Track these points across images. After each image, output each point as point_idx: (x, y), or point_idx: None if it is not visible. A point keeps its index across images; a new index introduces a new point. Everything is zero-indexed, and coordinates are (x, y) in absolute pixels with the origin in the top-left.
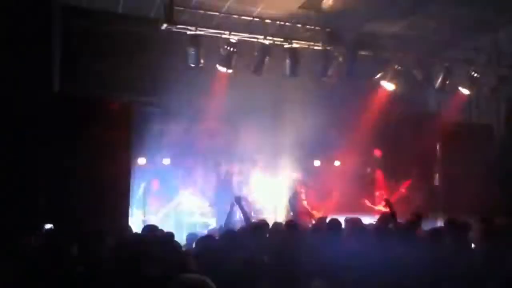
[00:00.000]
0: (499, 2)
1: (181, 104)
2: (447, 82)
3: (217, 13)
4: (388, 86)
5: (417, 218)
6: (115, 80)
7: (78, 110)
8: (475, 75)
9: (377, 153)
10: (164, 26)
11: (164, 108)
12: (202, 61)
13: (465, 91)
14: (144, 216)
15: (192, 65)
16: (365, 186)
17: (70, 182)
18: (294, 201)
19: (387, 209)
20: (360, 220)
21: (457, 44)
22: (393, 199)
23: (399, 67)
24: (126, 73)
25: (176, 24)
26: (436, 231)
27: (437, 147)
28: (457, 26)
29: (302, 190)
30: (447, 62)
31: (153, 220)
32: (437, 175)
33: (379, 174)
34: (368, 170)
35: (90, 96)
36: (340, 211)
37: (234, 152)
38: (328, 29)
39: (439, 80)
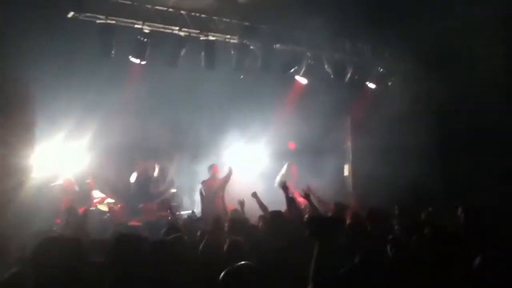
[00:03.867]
0: None
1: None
2: (356, 77)
3: (129, 2)
4: (302, 80)
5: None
6: None
7: None
8: (382, 70)
9: (291, 145)
10: (71, 14)
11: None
12: (113, 52)
13: (372, 86)
14: None
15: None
16: None
17: None
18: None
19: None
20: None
21: (366, 39)
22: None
23: (312, 62)
24: None
25: (84, 11)
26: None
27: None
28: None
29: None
30: (356, 57)
31: None
32: (346, 166)
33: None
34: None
35: None
36: None
37: (149, 148)
38: (244, 22)
39: (348, 75)
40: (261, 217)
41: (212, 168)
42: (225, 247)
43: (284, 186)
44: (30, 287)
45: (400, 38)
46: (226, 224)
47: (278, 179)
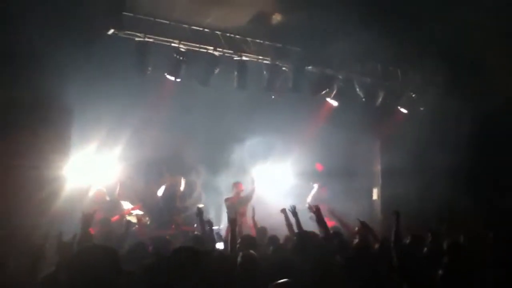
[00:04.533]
0: None
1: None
2: (388, 101)
3: (167, 22)
4: (333, 102)
5: None
6: None
7: None
8: (414, 96)
9: (319, 167)
10: (111, 31)
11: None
12: (149, 68)
13: (403, 110)
14: None
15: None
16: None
17: None
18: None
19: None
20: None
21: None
22: None
23: (343, 85)
24: None
25: (124, 30)
26: None
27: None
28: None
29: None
30: (387, 81)
31: None
32: (375, 190)
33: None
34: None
35: None
36: None
37: (177, 163)
38: (276, 44)
39: (380, 99)
40: (287, 237)
41: (236, 185)
42: (239, 260)
43: (316, 208)
44: None
45: (431, 61)
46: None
47: (309, 199)
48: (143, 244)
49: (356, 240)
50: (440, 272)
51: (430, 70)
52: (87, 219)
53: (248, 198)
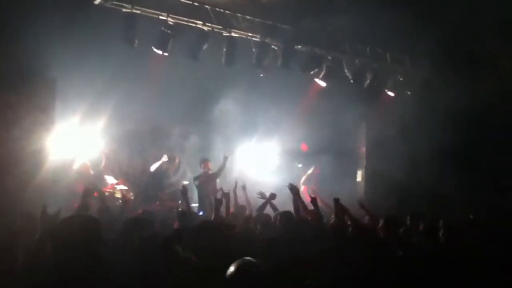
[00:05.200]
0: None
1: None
2: (375, 84)
3: None
4: (321, 83)
5: None
6: None
7: None
8: (401, 78)
9: (304, 147)
10: (98, 1)
11: None
12: (136, 41)
13: (391, 94)
14: None
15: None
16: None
17: None
18: None
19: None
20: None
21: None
22: None
23: (332, 65)
24: None
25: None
26: None
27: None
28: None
29: None
30: (376, 63)
31: None
32: (359, 172)
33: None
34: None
35: None
36: None
37: (162, 138)
38: (267, 21)
39: (368, 81)
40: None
41: (204, 163)
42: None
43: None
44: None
45: (421, 45)
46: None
47: (303, 180)
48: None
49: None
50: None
51: (419, 54)
52: (88, 193)
53: (216, 175)
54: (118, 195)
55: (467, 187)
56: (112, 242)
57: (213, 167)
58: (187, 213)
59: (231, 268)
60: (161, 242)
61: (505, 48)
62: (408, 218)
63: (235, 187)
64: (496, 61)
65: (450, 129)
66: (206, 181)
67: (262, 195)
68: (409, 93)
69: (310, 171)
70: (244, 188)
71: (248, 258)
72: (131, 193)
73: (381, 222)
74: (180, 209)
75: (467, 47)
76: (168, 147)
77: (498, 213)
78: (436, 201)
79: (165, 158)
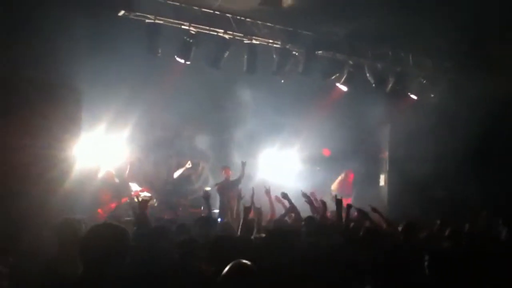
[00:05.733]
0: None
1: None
2: (398, 87)
3: (177, 4)
4: (343, 87)
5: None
6: None
7: None
8: (424, 81)
9: (326, 152)
10: (122, 12)
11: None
12: (159, 50)
13: (414, 97)
14: None
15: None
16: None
17: None
18: None
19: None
20: None
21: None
22: None
23: (353, 70)
24: None
25: (134, 11)
26: None
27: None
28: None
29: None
30: (399, 67)
31: None
32: (382, 176)
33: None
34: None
35: None
36: None
37: (186, 146)
38: (287, 28)
39: (390, 85)
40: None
41: (224, 170)
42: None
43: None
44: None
45: (443, 46)
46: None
47: (334, 186)
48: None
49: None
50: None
51: (442, 56)
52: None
53: (236, 182)
54: None
55: (493, 191)
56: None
57: (234, 174)
58: (208, 219)
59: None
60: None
61: None
62: (438, 222)
63: (253, 194)
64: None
65: (475, 132)
66: (226, 187)
67: (284, 196)
68: (432, 95)
69: (342, 176)
70: (267, 192)
71: (243, 260)
72: (154, 200)
73: (402, 226)
74: (202, 215)
75: (487, 46)
76: (192, 154)
77: None
78: (462, 206)
79: (188, 165)
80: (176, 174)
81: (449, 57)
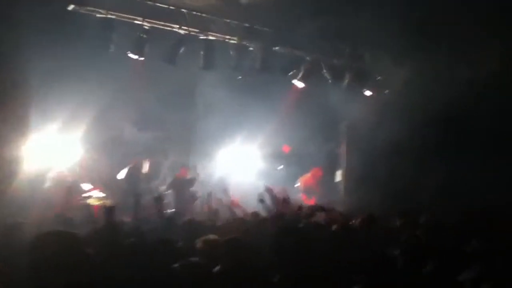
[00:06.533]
0: None
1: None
2: (354, 84)
3: None
4: (299, 84)
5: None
6: None
7: None
8: (379, 78)
9: (285, 149)
10: (72, 6)
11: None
12: (112, 46)
13: (369, 93)
14: None
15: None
16: None
17: None
18: None
19: None
20: None
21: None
22: None
23: (311, 66)
24: None
25: (84, 5)
26: None
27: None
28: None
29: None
30: (355, 63)
31: None
32: (339, 172)
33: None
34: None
35: None
36: None
37: (143, 144)
38: (244, 23)
39: (347, 81)
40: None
41: (180, 170)
42: None
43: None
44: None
45: (399, 45)
46: None
47: (301, 183)
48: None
49: None
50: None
51: (398, 53)
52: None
53: (189, 182)
54: (96, 202)
55: (449, 182)
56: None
57: (192, 172)
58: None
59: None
60: None
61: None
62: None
63: (209, 199)
64: (474, 57)
65: (429, 125)
66: (179, 186)
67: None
68: (387, 91)
69: (309, 174)
70: (226, 192)
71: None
72: (109, 201)
73: (359, 219)
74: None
75: (445, 44)
76: (150, 153)
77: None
78: (417, 197)
79: (132, 164)
80: (120, 175)
81: (404, 54)
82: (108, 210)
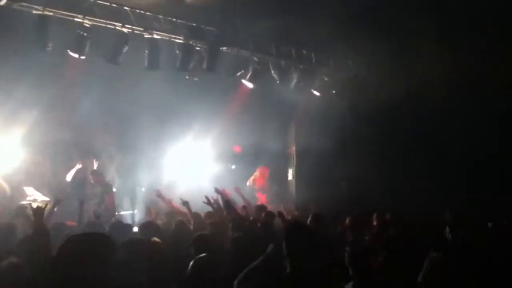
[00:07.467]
0: None
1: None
2: (302, 84)
3: None
4: (248, 84)
5: None
6: None
7: None
8: (326, 78)
9: (237, 149)
10: (3, 1)
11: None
12: (50, 45)
13: (316, 93)
14: None
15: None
16: None
17: None
18: None
19: None
20: None
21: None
22: None
23: (258, 67)
24: None
25: (18, 1)
26: None
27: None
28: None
29: None
30: (302, 64)
31: None
32: (290, 171)
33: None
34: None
35: None
36: None
37: (88, 146)
38: (190, 23)
39: (294, 82)
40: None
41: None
42: None
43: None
44: None
45: (345, 47)
46: None
47: (250, 182)
48: None
49: None
50: None
51: (342, 54)
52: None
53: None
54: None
55: (391, 181)
56: None
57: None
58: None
59: None
60: None
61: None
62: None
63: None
64: (416, 55)
65: (373, 124)
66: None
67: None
68: (334, 92)
69: (257, 172)
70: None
71: None
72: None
73: (310, 218)
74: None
75: (389, 45)
76: (94, 155)
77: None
78: (366, 194)
79: (78, 166)
80: (69, 177)
81: (350, 56)
82: (36, 212)
